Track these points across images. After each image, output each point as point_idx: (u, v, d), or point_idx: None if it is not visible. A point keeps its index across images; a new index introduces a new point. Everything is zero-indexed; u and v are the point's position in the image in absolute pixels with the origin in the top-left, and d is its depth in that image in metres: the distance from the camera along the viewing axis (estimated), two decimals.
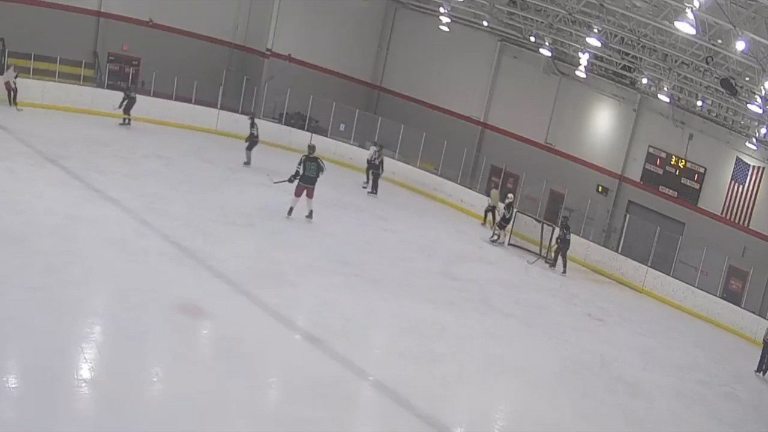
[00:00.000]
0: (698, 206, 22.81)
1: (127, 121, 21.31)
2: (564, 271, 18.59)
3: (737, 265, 20.02)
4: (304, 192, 15.92)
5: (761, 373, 14.43)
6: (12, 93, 20.36)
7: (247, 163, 20.53)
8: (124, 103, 21.15)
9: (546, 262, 19.28)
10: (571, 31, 21.13)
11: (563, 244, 18.71)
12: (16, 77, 20.52)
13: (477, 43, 27.21)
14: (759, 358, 14.54)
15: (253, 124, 20.76)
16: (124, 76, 24.35)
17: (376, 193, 21.19)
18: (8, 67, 20.74)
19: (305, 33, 27.42)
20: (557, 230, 19.26)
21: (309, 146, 16.57)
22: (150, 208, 14.19)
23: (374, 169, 21.41)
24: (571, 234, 18.97)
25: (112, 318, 9.25)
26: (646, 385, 11.80)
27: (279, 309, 10.71)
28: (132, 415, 6.95)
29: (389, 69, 30.01)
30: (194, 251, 12.26)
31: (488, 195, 22.16)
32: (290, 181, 15.89)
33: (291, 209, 15.99)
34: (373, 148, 22.03)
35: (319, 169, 15.93)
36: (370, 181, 21.46)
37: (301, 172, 15.72)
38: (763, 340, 14.65)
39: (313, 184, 15.89)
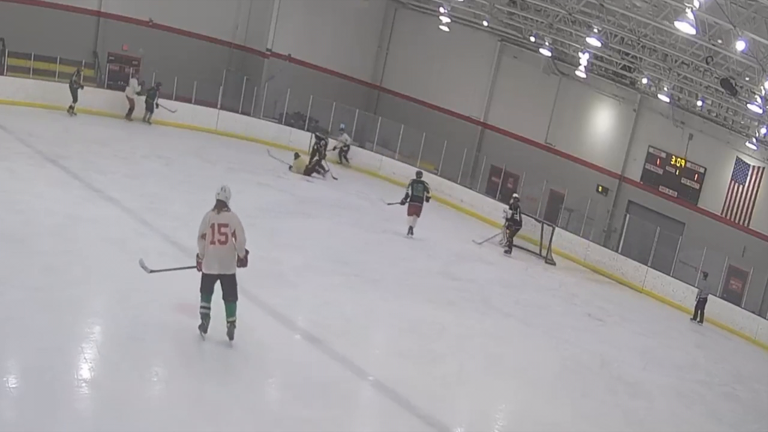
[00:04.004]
0: (698, 206, 22.82)
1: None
2: (507, 251, 18.72)
3: (737, 265, 20.01)
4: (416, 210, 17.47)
5: (697, 320, 17.38)
6: (133, 108, 21.88)
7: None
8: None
9: (546, 262, 19.31)
10: (571, 31, 21.14)
11: (514, 224, 18.80)
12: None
13: (477, 43, 27.22)
14: (693, 310, 17.55)
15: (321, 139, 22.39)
16: (124, 76, 24.37)
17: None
18: (130, 84, 22.01)
19: (305, 33, 27.43)
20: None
21: (417, 172, 18.48)
22: (150, 208, 14.19)
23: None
24: (521, 215, 19.02)
25: (112, 318, 9.24)
26: (646, 385, 11.77)
27: (279, 309, 10.71)
28: (132, 415, 6.93)
29: (389, 69, 30.03)
30: (194, 251, 12.20)
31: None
32: (402, 203, 17.57)
33: (411, 228, 17.37)
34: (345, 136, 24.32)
35: (426, 190, 17.62)
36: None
37: (410, 193, 17.46)
38: (697, 297, 17.39)
39: (422, 203, 17.52)
